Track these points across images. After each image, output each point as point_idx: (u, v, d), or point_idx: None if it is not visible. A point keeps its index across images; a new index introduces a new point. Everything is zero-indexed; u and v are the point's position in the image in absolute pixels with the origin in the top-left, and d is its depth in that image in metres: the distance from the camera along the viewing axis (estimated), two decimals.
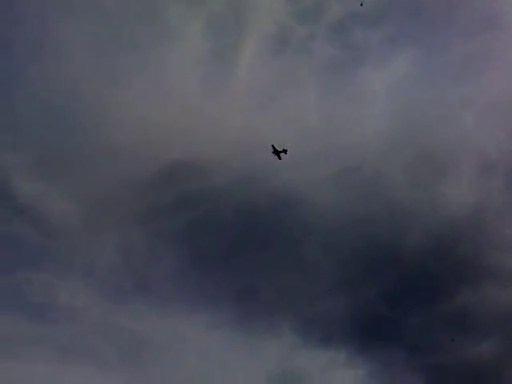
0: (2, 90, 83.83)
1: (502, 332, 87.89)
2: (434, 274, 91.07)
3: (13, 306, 76.71)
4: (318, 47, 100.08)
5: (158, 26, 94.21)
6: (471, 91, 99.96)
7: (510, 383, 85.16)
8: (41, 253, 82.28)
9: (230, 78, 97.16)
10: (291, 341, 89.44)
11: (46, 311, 79.99)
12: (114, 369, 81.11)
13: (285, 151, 78.64)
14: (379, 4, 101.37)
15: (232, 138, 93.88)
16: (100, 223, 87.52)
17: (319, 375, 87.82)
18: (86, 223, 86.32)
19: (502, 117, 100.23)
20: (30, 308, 79.12)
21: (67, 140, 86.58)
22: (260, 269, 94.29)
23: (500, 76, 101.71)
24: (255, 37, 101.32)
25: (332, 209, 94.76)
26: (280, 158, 79.08)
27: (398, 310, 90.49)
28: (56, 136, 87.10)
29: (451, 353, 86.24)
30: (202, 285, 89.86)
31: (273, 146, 77.55)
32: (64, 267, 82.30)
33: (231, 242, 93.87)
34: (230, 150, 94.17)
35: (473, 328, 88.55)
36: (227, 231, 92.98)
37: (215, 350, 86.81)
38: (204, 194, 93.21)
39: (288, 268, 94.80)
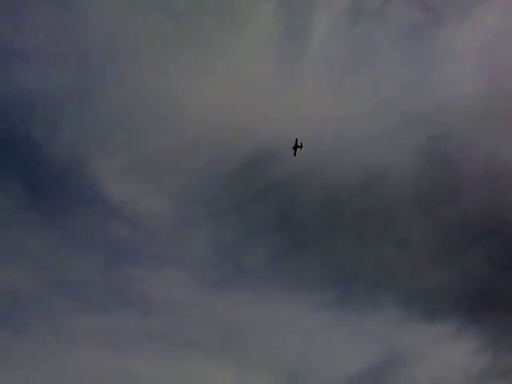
0: (88, 95, 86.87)
1: None
2: None
3: (115, 304, 79.82)
4: (394, 12, 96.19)
5: (228, 13, 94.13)
6: None
7: None
8: (137, 250, 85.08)
9: (305, 57, 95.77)
10: (395, 317, 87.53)
11: (147, 306, 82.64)
12: (220, 357, 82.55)
13: (301, 146, 78.24)
14: None
15: (312, 118, 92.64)
16: (191, 217, 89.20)
17: (426, 350, 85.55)
18: (178, 218, 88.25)
19: None
20: (132, 304, 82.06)
21: (152, 139, 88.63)
22: (357, 247, 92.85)
23: None
24: (328, 12, 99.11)
25: (421, 180, 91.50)
26: (295, 155, 78.43)
27: (507, 274, 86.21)
28: (142, 137, 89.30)
29: None
30: (297, 268, 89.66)
31: (296, 140, 77.07)
32: (160, 262, 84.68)
33: (322, 223, 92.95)
34: (311, 132, 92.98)
35: None
36: (316, 214, 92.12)
37: (318, 331, 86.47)
38: (289, 178, 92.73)
39: (385, 243, 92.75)
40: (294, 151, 77.90)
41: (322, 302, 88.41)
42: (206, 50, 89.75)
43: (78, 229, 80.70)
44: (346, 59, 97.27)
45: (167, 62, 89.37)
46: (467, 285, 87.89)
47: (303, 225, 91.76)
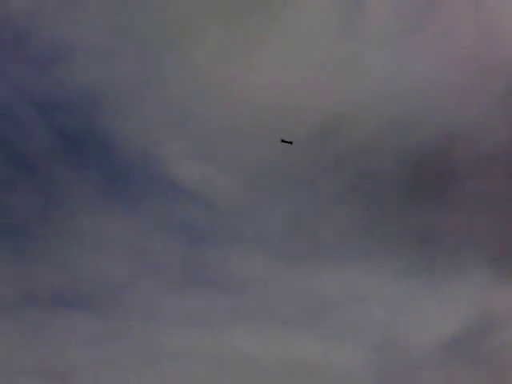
0: (150, 84, 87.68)
1: None
2: None
3: (198, 283, 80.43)
4: None
5: None
6: None
7: None
8: (213, 231, 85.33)
9: (364, 20, 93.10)
10: (482, 280, 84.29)
11: (229, 284, 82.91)
12: (307, 331, 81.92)
13: (290, 142, 77.72)
14: None
15: (377, 84, 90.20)
16: (264, 193, 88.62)
17: None
18: (251, 195, 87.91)
19: None
20: (214, 283, 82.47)
21: (217, 121, 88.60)
22: (436, 210, 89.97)
23: None
24: None
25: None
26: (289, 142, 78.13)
27: None
28: (207, 120, 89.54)
29: None
30: (376, 237, 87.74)
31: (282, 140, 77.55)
32: (237, 240, 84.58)
33: (399, 189, 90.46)
34: (379, 97, 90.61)
35: None
36: (393, 179, 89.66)
37: (402, 299, 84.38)
38: (362, 145, 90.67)
39: (467, 205, 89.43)
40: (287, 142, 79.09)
41: (404, 269, 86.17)
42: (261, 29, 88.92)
43: (156, 214, 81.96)
44: (410, 18, 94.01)
45: (227, 45, 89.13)
46: None
47: (380, 192, 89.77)
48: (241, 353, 74.74)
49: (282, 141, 78.48)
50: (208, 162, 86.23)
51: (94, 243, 76.79)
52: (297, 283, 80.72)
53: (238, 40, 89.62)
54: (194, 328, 76.15)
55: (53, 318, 72.09)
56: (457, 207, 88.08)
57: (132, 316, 75.00)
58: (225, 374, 72.54)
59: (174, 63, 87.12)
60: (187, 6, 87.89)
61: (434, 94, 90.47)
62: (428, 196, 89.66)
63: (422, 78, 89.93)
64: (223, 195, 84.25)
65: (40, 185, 77.99)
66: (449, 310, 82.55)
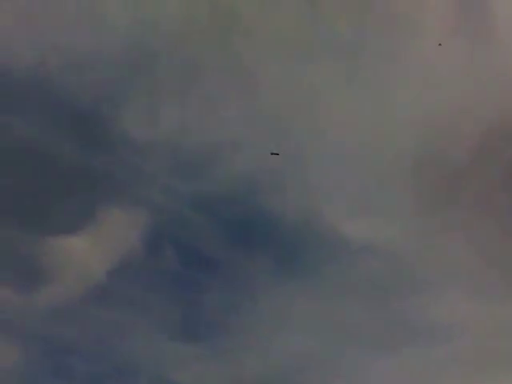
0: None
1: None
2: None
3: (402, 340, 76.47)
4: None
5: None
6: None
7: None
8: (398, 281, 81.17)
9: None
10: None
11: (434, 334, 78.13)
12: None
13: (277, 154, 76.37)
14: None
15: None
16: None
17: None
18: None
19: None
20: (419, 335, 78.10)
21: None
22: None
23: None
24: None
25: None
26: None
27: None
28: None
29: None
30: None
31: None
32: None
33: None
34: None
35: None
36: None
37: None
38: None
39: None
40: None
41: None
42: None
43: (335, 277, 79.79)
44: None
45: None
46: None
47: None
48: None
49: (272, 154, 76.71)
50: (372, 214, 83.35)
51: (286, 323, 75.89)
52: None
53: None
54: None
55: None
56: None
57: None
58: None
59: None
60: None
61: None
62: None
63: None
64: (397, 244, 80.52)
65: (220, 278, 79.07)
66: None
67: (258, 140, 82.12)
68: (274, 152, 75.76)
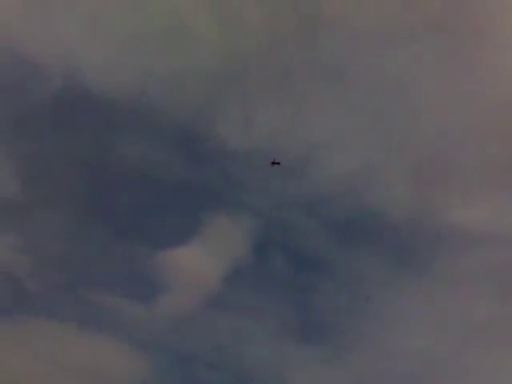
0: None
1: None
2: None
3: None
4: None
5: None
6: None
7: None
8: None
9: None
10: None
11: None
12: None
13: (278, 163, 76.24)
14: None
15: None
16: None
17: None
18: None
19: None
20: None
21: None
22: None
23: None
24: None
25: None
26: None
27: None
28: None
29: None
30: None
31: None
32: None
33: None
34: None
35: None
36: None
37: None
38: None
39: None
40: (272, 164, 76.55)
41: None
42: None
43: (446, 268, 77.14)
44: None
45: None
46: None
47: None
48: None
49: (272, 163, 76.16)
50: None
51: (401, 321, 74.65)
52: None
53: None
54: None
55: None
56: None
57: None
58: None
59: None
60: None
61: None
62: None
63: None
64: None
65: (331, 278, 78.83)
66: None
67: (353, 139, 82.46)
68: (276, 161, 76.31)
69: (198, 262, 77.53)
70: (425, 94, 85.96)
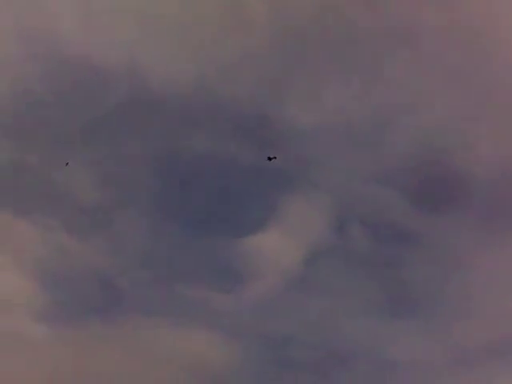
0: None
1: None
2: None
3: None
4: None
5: None
6: None
7: None
8: None
9: None
10: None
11: None
12: None
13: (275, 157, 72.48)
14: None
15: None
16: None
17: None
18: None
19: None
20: None
21: None
22: None
23: None
24: None
25: None
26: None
27: None
28: None
29: None
30: None
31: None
32: None
33: None
34: None
35: None
36: None
37: None
38: None
39: None
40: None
41: None
42: None
43: None
44: None
45: None
46: None
47: None
48: None
49: (268, 158, 71.92)
50: None
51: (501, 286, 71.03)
52: None
53: None
54: None
55: None
56: None
57: None
58: None
59: None
60: None
61: None
62: None
63: None
64: None
65: (418, 249, 76.31)
66: None
67: (431, 101, 78.79)
68: (272, 156, 73.49)
69: (278, 246, 77.73)
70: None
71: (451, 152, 77.82)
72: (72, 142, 78.37)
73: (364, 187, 79.56)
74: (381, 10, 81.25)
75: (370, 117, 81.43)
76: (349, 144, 79.38)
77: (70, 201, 75.75)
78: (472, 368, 67.09)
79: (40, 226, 73.09)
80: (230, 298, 73.80)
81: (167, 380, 66.84)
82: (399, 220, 77.12)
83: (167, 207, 77.41)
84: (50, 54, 78.90)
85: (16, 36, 77.66)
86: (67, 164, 72.38)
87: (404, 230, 76.27)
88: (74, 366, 64.24)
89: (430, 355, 68.98)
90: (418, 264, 73.78)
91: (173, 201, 77.75)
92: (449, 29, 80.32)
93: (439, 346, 68.82)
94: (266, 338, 71.76)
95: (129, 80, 79.94)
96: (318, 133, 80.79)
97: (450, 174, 77.62)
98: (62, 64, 79.02)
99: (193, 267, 74.94)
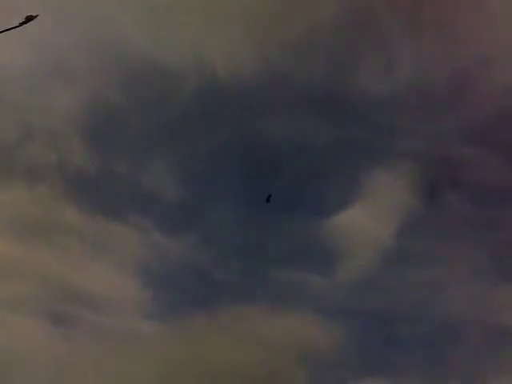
0: None
1: None
2: None
3: None
4: None
5: None
6: None
7: None
8: None
9: None
10: None
11: None
12: None
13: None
14: None
15: None
16: None
17: None
18: None
19: None
20: None
21: None
22: None
23: None
24: None
25: None
26: None
27: None
28: None
29: None
30: None
31: None
32: None
33: None
34: None
35: None
36: None
37: None
38: None
39: None
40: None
41: None
42: None
43: None
44: None
45: None
46: None
47: None
48: None
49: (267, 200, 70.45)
50: None
51: None
52: None
53: None
54: None
55: None
56: None
57: None
58: None
59: None
60: None
61: None
62: None
63: None
64: None
65: None
66: None
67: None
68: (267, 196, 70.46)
69: (366, 222, 76.27)
70: None
71: None
72: (153, 144, 79.75)
73: (449, 149, 76.72)
74: None
75: (447, 78, 78.34)
76: (429, 108, 76.57)
77: (160, 201, 77.41)
78: None
79: (136, 228, 75.16)
80: (326, 279, 73.25)
81: (280, 365, 67.20)
82: (493, 179, 73.80)
83: (253, 196, 77.48)
84: (120, 62, 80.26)
85: (86, 49, 79.35)
86: None
87: (499, 189, 72.91)
88: (187, 356, 65.82)
89: None
90: None
91: (257, 190, 77.75)
92: None
93: None
94: (369, 315, 71.03)
95: (197, 75, 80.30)
96: (396, 100, 78.53)
97: None
98: (132, 70, 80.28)
99: (285, 252, 74.65)
